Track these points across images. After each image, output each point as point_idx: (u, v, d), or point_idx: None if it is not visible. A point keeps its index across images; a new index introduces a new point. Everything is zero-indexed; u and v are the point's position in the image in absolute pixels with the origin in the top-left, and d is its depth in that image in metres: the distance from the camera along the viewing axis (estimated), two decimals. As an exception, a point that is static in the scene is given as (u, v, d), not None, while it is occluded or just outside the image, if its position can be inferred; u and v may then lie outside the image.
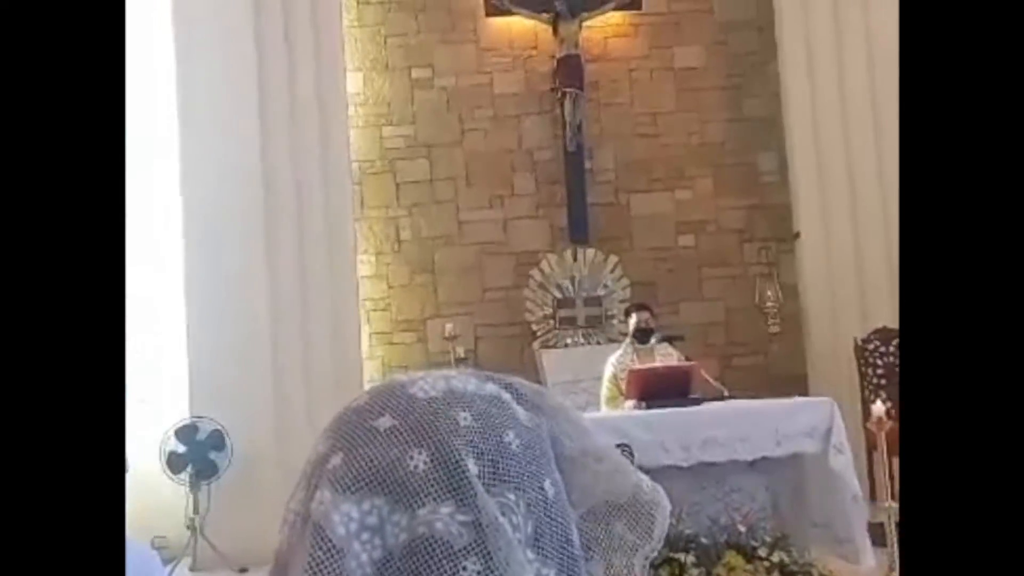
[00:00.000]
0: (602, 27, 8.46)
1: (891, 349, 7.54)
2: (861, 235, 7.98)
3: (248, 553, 6.56)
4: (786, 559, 5.08)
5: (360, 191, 8.21)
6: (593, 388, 6.59)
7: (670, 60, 8.51)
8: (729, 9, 8.51)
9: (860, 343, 7.66)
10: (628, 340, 6.50)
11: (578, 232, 8.25)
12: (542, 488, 0.96)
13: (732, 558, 5.02)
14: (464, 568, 0.90)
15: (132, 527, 1.92)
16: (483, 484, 0.92)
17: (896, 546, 5.07)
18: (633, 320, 6.52)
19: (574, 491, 1.01)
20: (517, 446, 0.96)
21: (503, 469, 0.94)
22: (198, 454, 7.14)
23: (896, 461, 5.41)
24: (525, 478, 0.95)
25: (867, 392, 7.45)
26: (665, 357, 6.35)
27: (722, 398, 5.99)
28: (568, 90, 8.17)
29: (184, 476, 7.12)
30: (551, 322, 8.17)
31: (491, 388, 1.01)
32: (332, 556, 0.91)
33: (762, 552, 5.08)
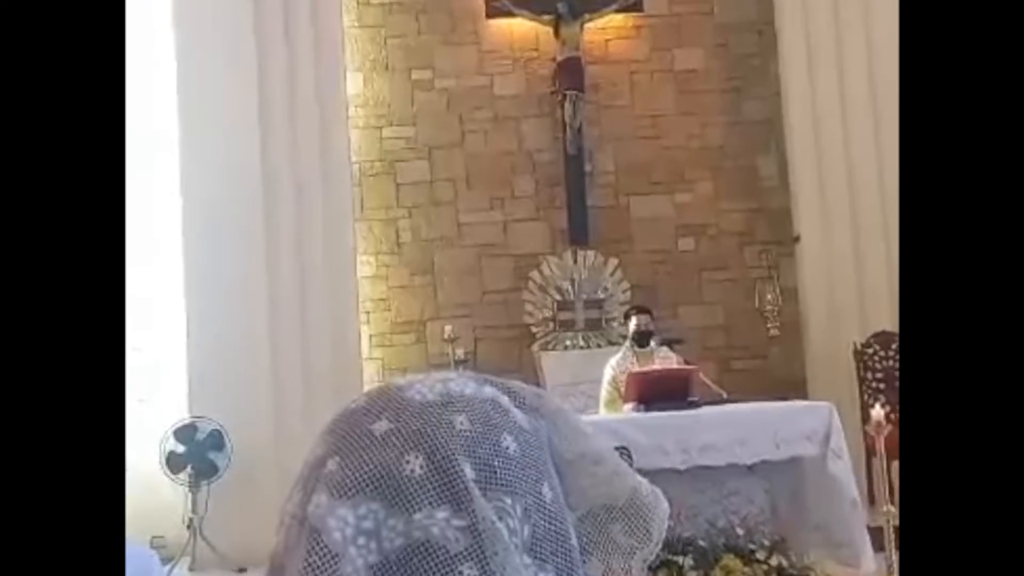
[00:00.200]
0: (603, 29, 8.45)
1: (890, 353, 7.54)
2: (861, 239, 7.98)
3: (247, 553, 6.56)
4: (784, 563, 5.08)
5: (360, 192, 8.20)
6: (592, 391, 6.58)
7: (670, 62, 8.50)
8: (729, 11, 8.51)
9: (859, 347, 7.66)
10: (627, 343, 6.49)
11: (578, 234, 8.24)
12: (539, 492, 0.96)
13: (730, 561, 5.02)
14: (460, 573, 0.90)
15: (131, 526, 1.91)
16: (480, 488, 0.92)
17: (895, 550, 5.07)
18: (633, 323, 6.52)
19: (572, 494, 1.01)
20: (514, 450, 0.96)
21: (500, 473, 0.94)
22: (197, 454, 7.13)
23: (895, 465, 5.41)
24: (522, 482, 0.95)
25: (866, 396, 7.45)
26: (664, 360, 6.34)
27: (721, 401, 5.99)
28: (568, 92, 8.17)
29: (183, 476, 7.11)
30: (550, 324, 8.17)
31: (489, 391, 1.01)
32: (328, 561, 0.91)
33: (760, 555, 5.07)
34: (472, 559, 0.90)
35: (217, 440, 7.14)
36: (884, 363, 7.58)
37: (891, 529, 5.06)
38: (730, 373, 7.88)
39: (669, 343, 6.56)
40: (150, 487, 6.94)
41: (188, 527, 7.03)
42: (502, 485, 0.94)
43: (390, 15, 8.40)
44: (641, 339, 6.41)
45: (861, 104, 8.01)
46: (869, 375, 7.60)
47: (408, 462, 0.93)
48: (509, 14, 8.30)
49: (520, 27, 8.40)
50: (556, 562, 0.95)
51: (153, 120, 7.73)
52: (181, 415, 7.34)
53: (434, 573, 0.89)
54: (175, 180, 7.69)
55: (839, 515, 5.44)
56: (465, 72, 8.38)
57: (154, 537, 6.73)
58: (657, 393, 5.74)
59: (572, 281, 8.21)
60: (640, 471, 1.10)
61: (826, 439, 5.50)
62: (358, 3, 8.35)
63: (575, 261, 8.23)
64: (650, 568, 1.10)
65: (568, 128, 8.19)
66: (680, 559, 4.92)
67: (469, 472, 0.93)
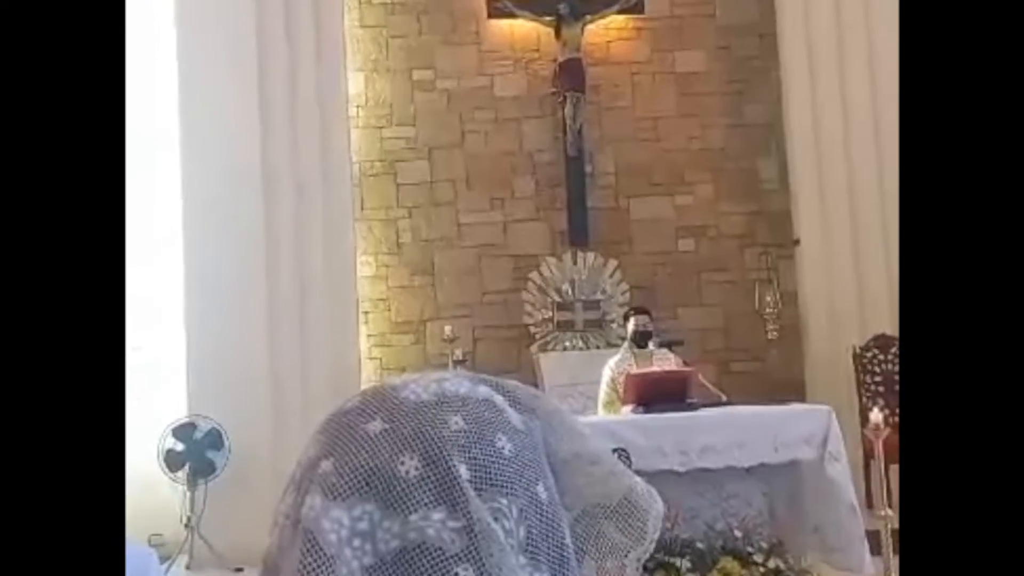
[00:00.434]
0: (605, 31, 8.45)
1: (889, 357, 7.54)
2: (861, 242, 7.98)
3: (244, 552, 6.54)
4: (782, 565, 5.08)
5: (360, 192, 8.20)
6: (591, 392, 6.57)
7: (671, 64, 8.50)
8: (731, 14, 8.51)
9: (859, 350, 7.66)
10: (627, 344, 6.48)
11: (578, 236, 8.24)
12: (535, 492, 0.96)
13: (728, 564, 5.02)
14: (456, 575, 0.89)
15: (129, 525, 1.91)
16: (475, 489, 0.92)
17: (893, 554, 5.06)
18: (632, 324, 6.51)
19: (568, 494, 1.01)
20: (509, 450, 0.96)
21: (495, 474, 0.94)
22: (195, 453, 7.13)
23: (893, 469, 5.41)
24: (517, 483, 0.95)
25: (865, 399, 7.44)
26: (663, 362, 6.33)
27: (720, 404, 5.99)
28: (569, 93, 8.17)
29: (181, 474, 7.11)
30: (550, 325, 8.17)
31: (484, 391, 1.00)
32: (323, 563, 0.90)
33: (758, 558, 5.07)
34: (468, 560, 0.90)
35: (215, 439, 7.14)
36: (883, 367, 7.58)
37: (888, 533, 5.06)
38: (729, 375, 7.87)
39: (668, 345, 6.55)
40: (148, 485, 6.94)
41: (186, 526, 7.03)
42: (497, 486, 0.93)
43: (391, 15, 8.40)
44: (640, 340, 6.40)
45: (861, 108, 8.01)
46: (868, 379, 7.60)
47: (403, 463, 0.92)
48: (510, 15, 8.30)
49: (521, 28, 8.40)
50: (551, 562, 0.95)
51: (154, 120, 7.73)
52: (179, 413, 7.34)
53: (430, 574, 0.89)
54: (176, 180, 7.69)
55: (837, 518, 5.43)
56: (466, 73, 8.37)
57: (152, 535, 6.72)
58: (656, 395, 5.73)
59: (572, 282, 8.21)
60: (639, 473, 1.10)
61: (824, 442, 5.50)
62: (359, 3, 8.35)
63: (575, 262, 8.23)
64: (647, 570, 1.10)
65: (568, 129, 8.18)
66: (678, 561, 4.92)
67: (464, 473, 0.92)
